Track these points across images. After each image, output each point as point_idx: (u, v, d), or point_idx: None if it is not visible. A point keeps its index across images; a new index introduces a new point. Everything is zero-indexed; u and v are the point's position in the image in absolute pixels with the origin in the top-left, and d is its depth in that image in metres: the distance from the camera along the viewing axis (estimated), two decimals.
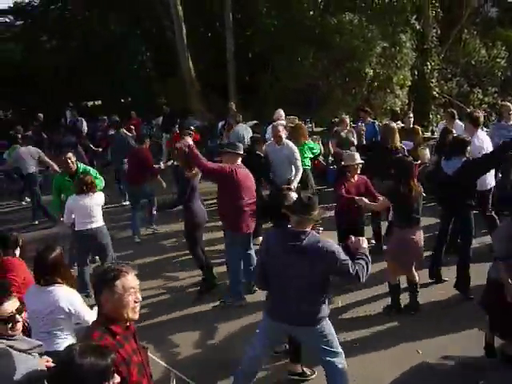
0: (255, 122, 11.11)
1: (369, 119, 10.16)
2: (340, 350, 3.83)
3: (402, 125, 9.62)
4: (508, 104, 8.14)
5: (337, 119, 10.82)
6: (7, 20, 23.35)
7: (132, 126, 12.45)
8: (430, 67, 14.97)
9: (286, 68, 13.38)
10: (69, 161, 6.69)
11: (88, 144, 12.24)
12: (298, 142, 7.97)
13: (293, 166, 7.38)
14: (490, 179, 6.48)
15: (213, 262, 6.52)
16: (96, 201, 6.10)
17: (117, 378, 2.09)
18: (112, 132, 11.52)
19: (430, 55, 15.11)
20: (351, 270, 3.51)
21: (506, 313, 4.14)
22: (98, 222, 6.16)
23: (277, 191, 4.64)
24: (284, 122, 9.20)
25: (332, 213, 6.31)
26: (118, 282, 2.43)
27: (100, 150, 12.52)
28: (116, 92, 20.42)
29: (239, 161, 5.73)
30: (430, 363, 4.54)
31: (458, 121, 8.86)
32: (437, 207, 7.12)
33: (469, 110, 8.91)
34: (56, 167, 8.79)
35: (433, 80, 15.15)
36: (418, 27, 14.37)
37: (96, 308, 2.60)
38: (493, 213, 6.57)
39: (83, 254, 6.38)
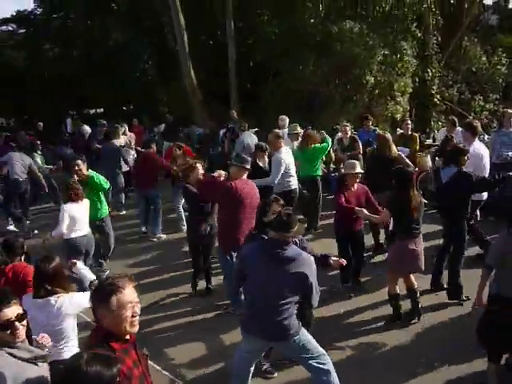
0: (256, 129, 11.13)
1: (371, 127, 10.22)
2: (321, 350, 3.84)
3: (401, 131, 9.67)
4: (510, 111, 8.16)
5: (338, 126, 10.85)
6: (10, 28, 23.50)
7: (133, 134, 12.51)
8: (430, 74, 14.98)
9: (289, 70, 13.43)
10: (77, 168, 6.71)
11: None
12: (308, 148, 8.04)
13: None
14: None
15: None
16: (85, 208, 6.25)
17: None
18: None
19: (431, 62, 15.13)
20: (314, 292, 3.66)
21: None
22: (87, 229, 6.31)
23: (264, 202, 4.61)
24: (286, 130, 9.25)
25: (332, 220, 6.33)
26: (114, 299, 2.40)
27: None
28: (118, 99, 20.52)
29: (245, 176, 5.67)
30: (433, 371, 4.53)
31: (459, 128, 8.89)
32: (436, 214, 7.13)
33: (467, 120, 8.93)
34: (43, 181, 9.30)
35: (434, 87, 15.16)
36: (418, 35, 14.39)
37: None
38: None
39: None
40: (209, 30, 18.34)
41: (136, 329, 2.49)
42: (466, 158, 5.66)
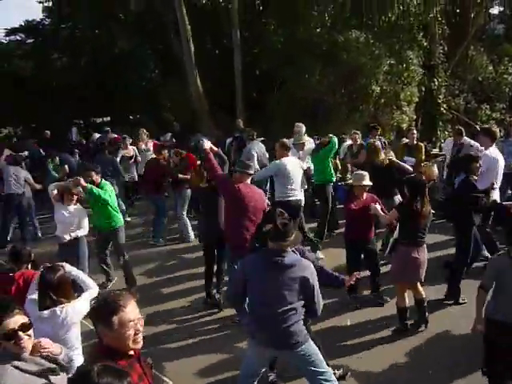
0: (262, 138, 11.12)
1: (377, 137, 10.23)
2: (327, 368, 3.84)
3: (407, 141, 9.65)
4: None
5: (344, 136, 10.85)
6: (18, 38, 23.70)
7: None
8: (437, 83, 14.98)
9: (294, 78, 13.45)
10: (89, 178, 6.74)
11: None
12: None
13: None
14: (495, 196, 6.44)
15: None
16: (80, 211, 6.54)
17: None
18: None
19: (437, 72, 15.13)
20: (316, 299, 3.66)
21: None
22: (81, 231, 6.52)
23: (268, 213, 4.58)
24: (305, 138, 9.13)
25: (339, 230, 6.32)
26: (115, 318, 2.35)
27: None
28: (124, 108, 20.63)
29: (248, 180, 5.72)
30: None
31: (465, 137, 8.87)
32: (445, 224, 7.09)
33: (485, 126, 8.93)
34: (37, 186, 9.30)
35: (440, 96, 15.14)
36: (424, 44, 14.41)
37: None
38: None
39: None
40: (215, 40, 18.45)
41: (140, 345, 2.44)
42: (477, 165, 5.66)
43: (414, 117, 14.22)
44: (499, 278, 3.89)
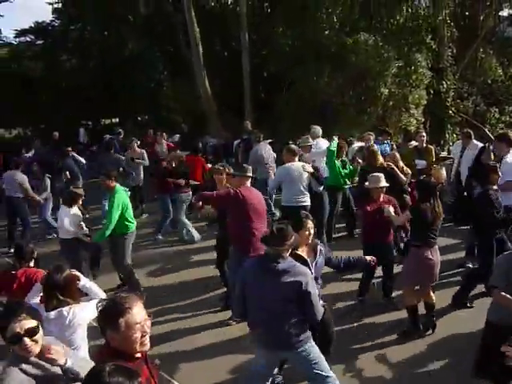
0: (270, 140, 11.13)
1: (386, 140, 10.22)
2: (330, 373, 3.83)
3: (416, 144, 9.60)
4: None
5: (352, 138, 10.81)
6: (28, 39, 23.89)
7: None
8: (445, 86, 14.93)
9: (303, 79, 13.46)
10: (103, 183, 6.74)
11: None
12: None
13: None
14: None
15: None
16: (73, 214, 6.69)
17: None
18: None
19: (446, 74, 15.08)
20: (312, 304, 3.64)
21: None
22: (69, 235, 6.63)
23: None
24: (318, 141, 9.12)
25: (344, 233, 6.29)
26: (122, 320, 2.33)
27: None
28: (133, 109, 20.73)
29: (248, 183, 5.72)
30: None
31: (474, 140, 8.82)
32: (453, 228, 7.06)
33: (501, 132, 8.85)
34: (37, 198, 9.32)
35: (449, 99, 15.09)
36: (433, 47, 14.37)
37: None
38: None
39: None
40: (223, 42, 18.52)
41: (147, 347, 2.43)
42: (497, 176, 5.64)
43: (422, 119, 14.18)
44: (505, 275, 3.84)
